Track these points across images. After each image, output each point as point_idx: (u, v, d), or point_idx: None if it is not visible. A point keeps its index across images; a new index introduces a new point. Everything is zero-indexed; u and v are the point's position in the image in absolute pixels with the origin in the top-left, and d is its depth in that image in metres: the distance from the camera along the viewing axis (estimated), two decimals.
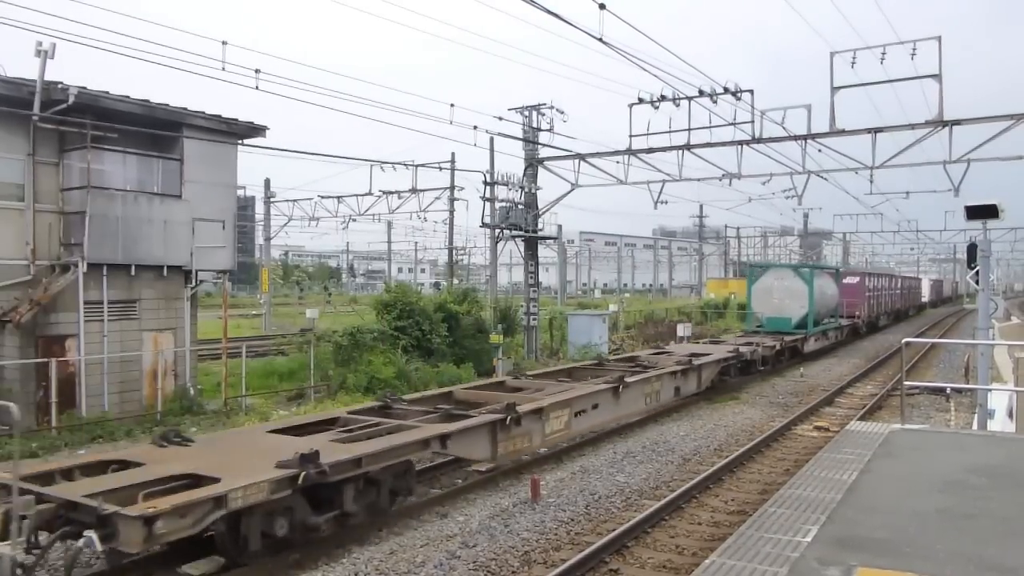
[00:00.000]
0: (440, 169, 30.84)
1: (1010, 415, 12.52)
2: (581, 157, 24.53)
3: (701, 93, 20.89)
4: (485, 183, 25.71)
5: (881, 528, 5.59)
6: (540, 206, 26.24)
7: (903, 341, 10.74)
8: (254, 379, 20.21)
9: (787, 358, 26.70)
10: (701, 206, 62.31)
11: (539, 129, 25.51)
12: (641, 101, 21.84)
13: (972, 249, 14.94)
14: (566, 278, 65.72)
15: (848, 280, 37.75)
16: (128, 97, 15.84)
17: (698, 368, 18.39)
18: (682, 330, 28.70)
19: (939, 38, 18.09)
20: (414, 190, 32.36)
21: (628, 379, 15.06)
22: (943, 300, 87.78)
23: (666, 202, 25.31)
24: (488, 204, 25.56)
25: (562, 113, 25.58)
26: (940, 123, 18.82)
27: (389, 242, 71.90)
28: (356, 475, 8.65)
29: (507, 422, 11.10)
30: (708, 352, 20.60)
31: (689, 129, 21.76)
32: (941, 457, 7.89)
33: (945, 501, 6.25)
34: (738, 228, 66.23)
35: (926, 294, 70.18)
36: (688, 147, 22.18)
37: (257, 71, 16.10)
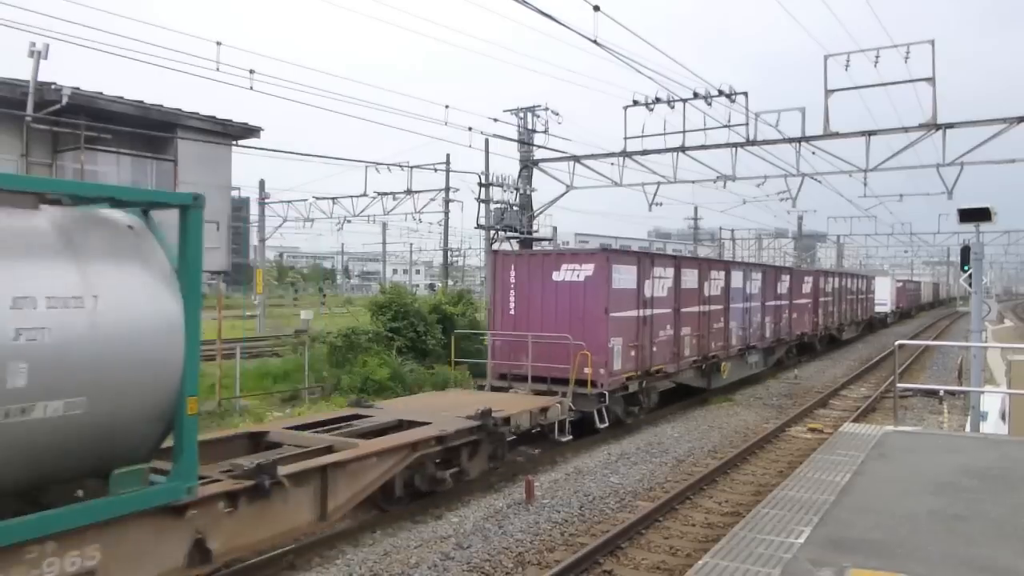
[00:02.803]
0: (435, 170, 30.87)
1: (1003, 417, 12.57)
2: (576, 159, 24.53)
3: (696, 95, 20.91)
4: (480, 185, 25.71)
5: (874, 529, 5.60)
6: (535, 208, 26.24)
7: (896, 344, 10.76)
8: (248, 380, 20.15)
9: None
10: (696, 208, 62.34)
11: (534, 131, 25.50)
12: (636, 103, 21.84)
13: (966, 252, 15.06)
14: None
15: (568, 274, 15.51)
16: (122, 98, 15.81)
17: None
18: None
19: (932, 42, 18.13)
20: (409, 191, 32.34)
21: None
22: (921, 307, 75.49)
23: (661, 204, 25.31)
24: (483, 206, 25.54)
25: (557, 115, 25.59)
26: (934, 126, 18.86)
27: (384, 243, 71.77)
28: None
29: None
30: None
31: (684, 131, 21.77)
32: (934, 459, 7.91)
33: (938, 503, 6.27)
34: (732, 230, 66.30)
35: (886, 301, 50.57)
36: (683, 149, 22.19)
37: (252, 72, 16.10)
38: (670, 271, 17.87)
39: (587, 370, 14.37)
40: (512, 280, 16.35)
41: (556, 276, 15.70)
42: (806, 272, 31.51)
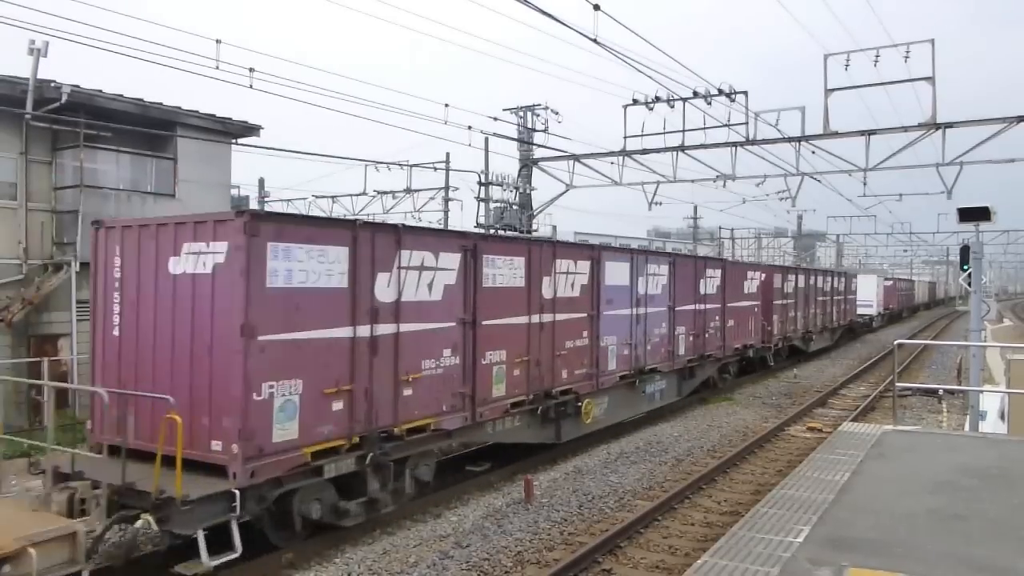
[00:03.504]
0: (435, 169, 30.81)
1: (1002, 417, 12.59)
2: (575, 158, 24.54)
3: (695, 94, 20.90)
4: (480, 183, 25.72)
5: (872, 529, 5.60)
6: (535, 207, 26.26)
7: (896, 343, 10.77)
8: None
9: None
10: (695, 207, 62.39)
11: (534, 130, 25.53)
12: (635, 102, 21.84)
13: (965, 251, 15.08)
14: None
15: (190, 261, 8.29)
16: (122, 96, 15.80)
17: None
18: None
19: (932, 41, 18.13)
20: (409, 190, 32.30)
21: None
22: (915, 308, 73.18)
23: (660, 203, 25.33)
24: (483, 204, 25.57)
25: (557, 114, 25.62)
26: (933, 126, 18.86)
27: None
28: None
29: None
30: None
31: (683, 130, 21.77)
32: (933, 458, 7.92)
33: (936, 502, 6.27)
34: (732, 229, 66.22)
35: (871, 302, 45.58)
36: (682, 148, 22.19)
37: (251, 70, 16.05)
38: (452, 259, 10.49)
39: (215, 445, 7.83)
40: (117, 273, 9.06)
41: (174, 266, 8.49)
42: (751, 267, 24.76)
